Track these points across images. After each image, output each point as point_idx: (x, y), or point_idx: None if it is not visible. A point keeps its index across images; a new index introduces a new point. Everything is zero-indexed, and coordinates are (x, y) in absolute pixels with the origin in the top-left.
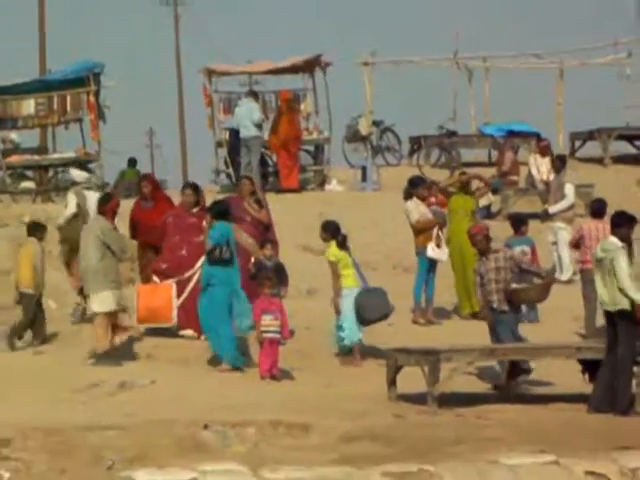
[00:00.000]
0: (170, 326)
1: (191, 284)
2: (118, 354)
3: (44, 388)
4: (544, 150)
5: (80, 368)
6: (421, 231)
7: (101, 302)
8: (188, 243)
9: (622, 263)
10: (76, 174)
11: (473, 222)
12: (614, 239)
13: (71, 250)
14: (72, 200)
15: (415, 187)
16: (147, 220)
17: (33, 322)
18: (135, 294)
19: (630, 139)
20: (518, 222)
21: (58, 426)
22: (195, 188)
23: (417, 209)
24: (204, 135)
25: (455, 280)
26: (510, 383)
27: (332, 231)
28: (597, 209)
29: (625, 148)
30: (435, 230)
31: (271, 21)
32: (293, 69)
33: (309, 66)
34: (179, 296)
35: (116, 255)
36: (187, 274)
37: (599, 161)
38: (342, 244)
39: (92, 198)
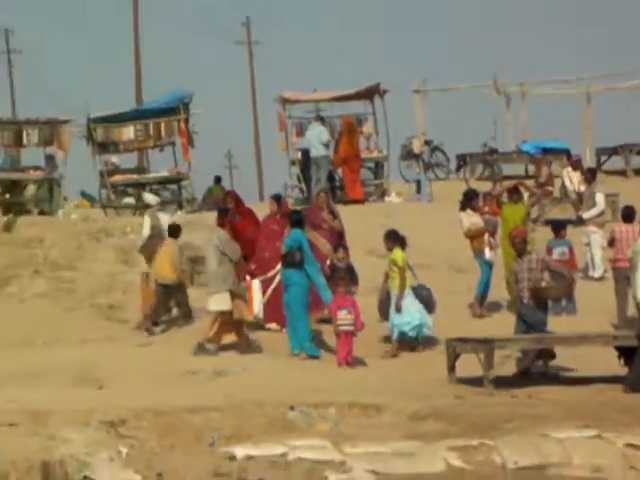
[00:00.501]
0: (252, 320)
1: (274, 283)
2: (215, 345)
3: (150, 376)
4: (575, 164)
5: (181, 358)
6: (473, 237)
7: (217, 302)
8: (271, 247)
9: None
10: (150, 198)
11: None
12: None
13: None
14: (147, 222)
15: (470, 200)
16: (239, 231)
17: (166, 308)
18: None
19: None
20: (558, 226)
21: (165, 408)
22: (278, 199)
23: (468, 219)
24: (276, 156)
25: (506, 279)
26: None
27: (394, 238)
28: (627, 214)
29: None
30: (486, 236)
31: (332, 54)
32: (356, 96)
33: (369, 93)
34: (264, 293)
35: (232, 261)
36: (270, 274)
37: (622, 173)
38: (403, 247)
39: (164, 218)
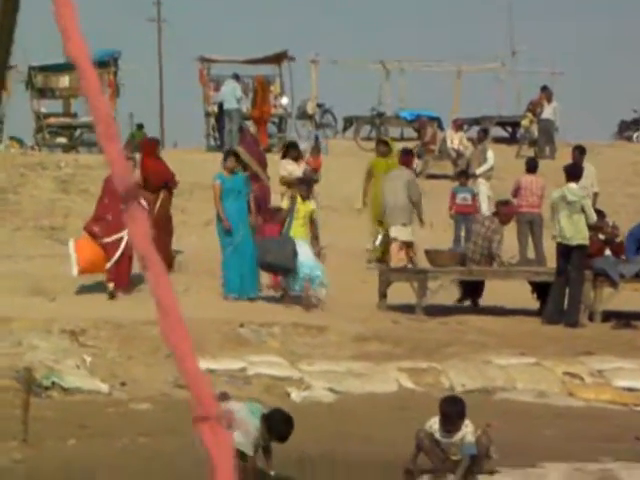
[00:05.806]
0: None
1: (121, 247)
2: None
3: (97, 290)
4: (457, 127)
5: None
6: (285, 185)
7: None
8: (115, 208)
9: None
10: None
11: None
12: (576, 186)
13: None
14: None
15: (288, 150)
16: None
17: None
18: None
19: (504, 125)
20: (463, 175)
21: (121, 320)
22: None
23: (284, 167)
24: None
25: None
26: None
27: None
28: (532, 166)
29: (500, 132)
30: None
31: (240, 24)
32: (266, 60)
33: (277, 58)
34: (111, 256)
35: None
36: (115, 236)
37: None
38: None
39: None
